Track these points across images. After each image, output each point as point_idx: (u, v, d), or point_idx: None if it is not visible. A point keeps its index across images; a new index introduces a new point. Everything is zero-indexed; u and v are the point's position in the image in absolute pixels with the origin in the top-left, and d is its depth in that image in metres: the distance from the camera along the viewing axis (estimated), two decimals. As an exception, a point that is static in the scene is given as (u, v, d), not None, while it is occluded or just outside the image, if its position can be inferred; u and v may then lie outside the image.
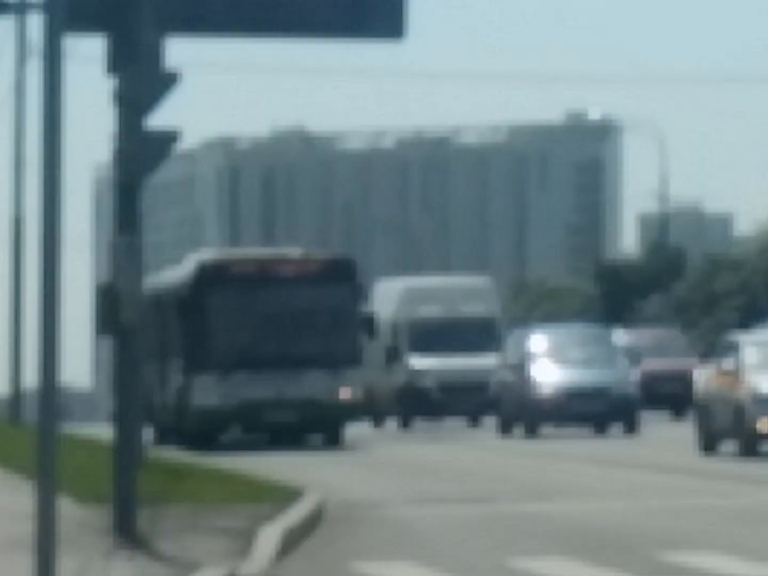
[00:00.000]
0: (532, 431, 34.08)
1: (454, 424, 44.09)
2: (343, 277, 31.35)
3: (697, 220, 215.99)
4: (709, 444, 25.15)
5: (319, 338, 30.46)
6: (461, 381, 41.08)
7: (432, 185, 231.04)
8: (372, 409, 40.13)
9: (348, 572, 10.76)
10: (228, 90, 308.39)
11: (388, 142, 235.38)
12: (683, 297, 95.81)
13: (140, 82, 10.00)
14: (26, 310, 39.62)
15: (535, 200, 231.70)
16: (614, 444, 32.23)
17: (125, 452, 10.90)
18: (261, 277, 31.00)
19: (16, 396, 42.65)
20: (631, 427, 33.82)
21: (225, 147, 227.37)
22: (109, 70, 10.26)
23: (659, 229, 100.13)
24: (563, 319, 69.55)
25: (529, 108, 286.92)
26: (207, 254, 34.70)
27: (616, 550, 12.05)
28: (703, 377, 27.16)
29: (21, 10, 17.70)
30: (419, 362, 41.29)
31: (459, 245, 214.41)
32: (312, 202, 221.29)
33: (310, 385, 29.75)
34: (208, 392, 29.55)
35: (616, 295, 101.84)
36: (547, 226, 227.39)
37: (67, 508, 10.47)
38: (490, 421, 40.92)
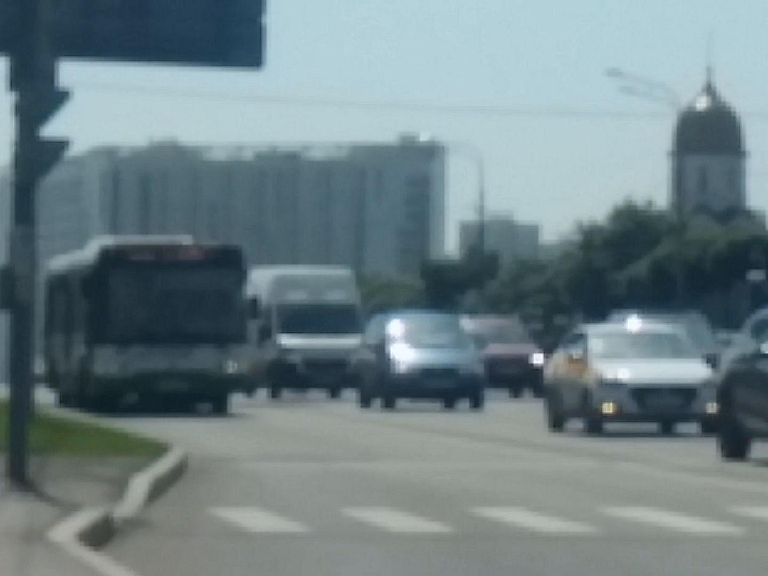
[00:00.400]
0: (389, 404, 33.42)
1: (317, 395, 43.41)
2: (230, 263, 30.49)
3: (509, 228, 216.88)
4: (557, 422, 24.90)
5: (208, 317, 29.75)
6: (324, 358, 40.55)
7: (284, 193, 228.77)
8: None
9: (206, 516, 10.66)
10: (112, 106, 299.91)
11: (247, 155, 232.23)
12: (496, 293, 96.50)
13: (36, 97, 9.71)
14: None
15: (372, 208, 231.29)
16: (461, 417, 31.68)
17: (18, 409, 10.61)
18: (157, 261, 30.04)
19: None
20: (476, 403, 33.26)
21: (108, 154, 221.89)
22: (10, 87, 9.93)
23: (477, 235, 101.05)
24: (393, 309, 69.44)
25: (368, 129, 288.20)
26: (109, 240, 33.75)
27: (435, 504, 12.12)
28: (553, 363, 26.94)
29: None
30: (287, 341, 40.61)
31: (306, 244, 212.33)
32: (182, 203, 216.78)
33: (200, 358, 28.95)
34: (107, 362, 28.71)
35: (439, 290, 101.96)
36: (381, 231, 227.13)
37: None
38: (349, 394, 40.27)
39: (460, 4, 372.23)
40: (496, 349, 39.92)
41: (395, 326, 35.19)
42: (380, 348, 34.22)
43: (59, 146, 10.69)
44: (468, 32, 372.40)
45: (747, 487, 14.48)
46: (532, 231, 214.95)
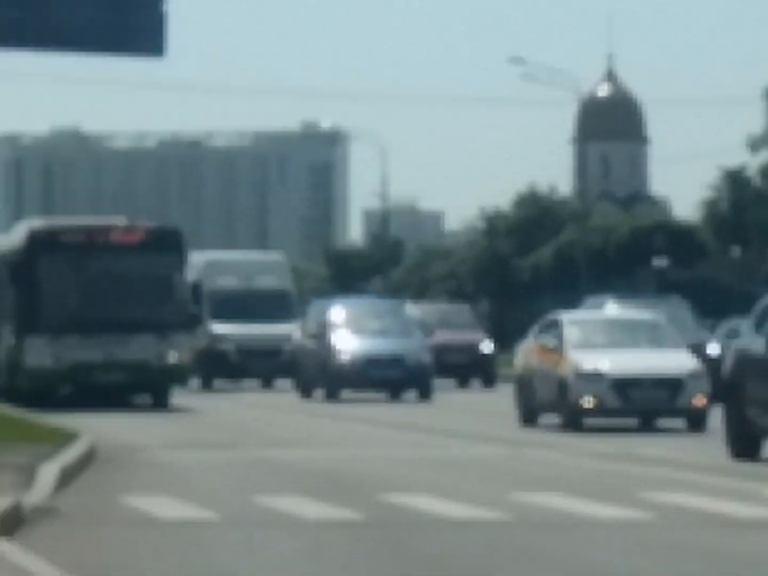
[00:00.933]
0: (332, 395, 31.82)
1: (250, 385, 41.88)
2: (168, 246, 28.56)
3: (413, 216, 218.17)
4: (528, 417, 22.71)
5: (145, 304, 27.84)
6: (257, 346, 39.08)
7: (187, 180, 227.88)
8: None
9: (116, 504, 10.57)
10: (14, 93, 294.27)
11: (150, 143, 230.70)
12: (401, 280, 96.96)
13: None
14: None
15: (275, 195, 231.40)
16: (409, 409, 30.26)
17: None
18: (89, 244, 27.88)
19: None
20: (425, 393, 31.82)
21: (11, 142, 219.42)
22: None
23: (381, 222, 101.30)
24: (300, 296, 68.52)
25: (271, 117, 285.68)
26: (38, 222, 31.00)
27: (344, 491, 12.18)
28: (523, 352, 24.59)
29: None
30: (219, 328, 38.68)
31: (210, 231, 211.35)
32: (84, 191, 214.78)
33: (139, 348, 27.09)
34: (39, 353, 26.76)
35: (343, 277, 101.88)
36: (285, 218, 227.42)
37: None
38: (282, 384, 39.22)
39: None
40: (443, 336, 38.08)
41: (337, 312, 33.50)
42: (321, 335, 32.74)
43: None
44: (370, 18, 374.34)
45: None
46: (436, 218, 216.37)
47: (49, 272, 27.84)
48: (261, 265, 43.94)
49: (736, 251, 66.71)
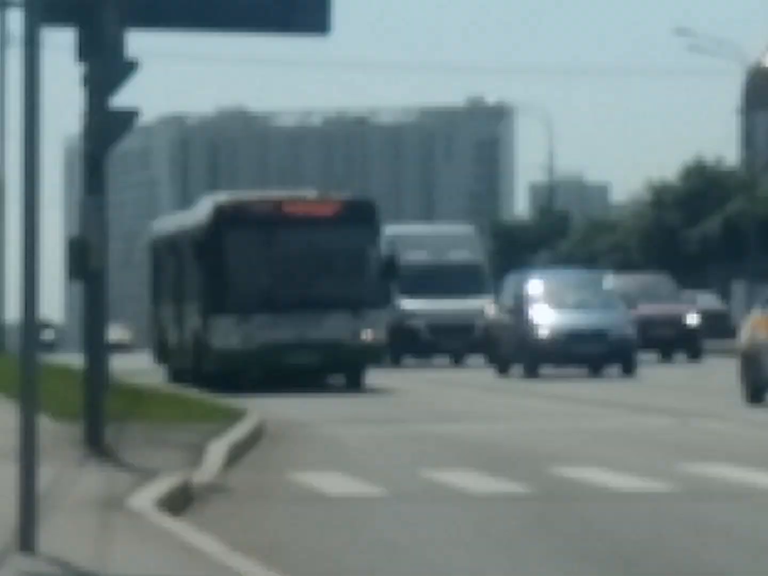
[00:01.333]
0: (531, 372, 30.90)
1: (441, 362, 41.25)
2: (363, 219, 27.16)
3: (580, 188, 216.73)
4: (756, 394, 20.74)
5: (339, 280, 26.83)
6: (449, 322, 38.31)
7: (353, 157, 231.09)
8: None
9: (283, 480, 10.80)
10: (180, 75, 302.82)
11: (315, 121, 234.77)
12: (567, 253, 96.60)
13: (104, 68, 9.80)
14: (10, 258, 38.79)
15: (441, 171, 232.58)
16: (613, 384, 29.26)
17: (94, 377, 10.82)
18: (279, 218, 26.66)
19: (1, 330, 42.83)
20: (629, 369, 30.84)
21: (177, 123, 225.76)
22: (78, 58, 10.07)
23: (547, 195, 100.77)
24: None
25: (436, 93, 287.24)
26: (223, 196, 29.28)
27: (514, 464, 12.07)
28: (750, 325, 22.18)
29: (3, 6, 17.18)
30: (409, 304, 37.67)
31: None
32: (250, 169, 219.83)
33: (331, 327, 25.88)
34: (227, 334, 25.67)
35: (509, 251, 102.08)
36: (451, 193, 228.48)
37: (45, 424, 9.88)
38: (474, 361, 38.49)
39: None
40: (646, 309, 36.66)
41: (535, 286, 32.61)
42: (518, 310, 31.80)
43: (129, 116, 10.84)
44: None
45: None
46: (602, 190, 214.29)
47: (237, 249, 26.75)
48: (452, 239, 42.82)
49: None
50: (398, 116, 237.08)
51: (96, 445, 10.70)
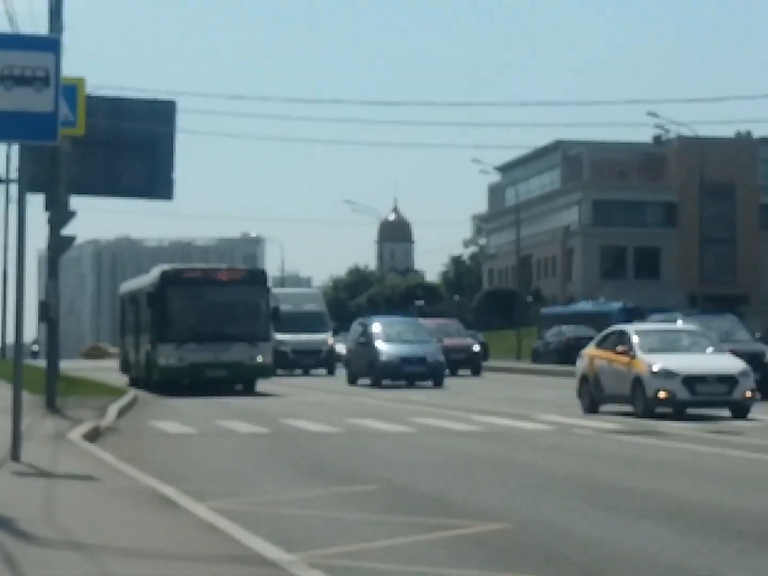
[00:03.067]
0: (376, 383, 37.95)
1: (297, 372, 50.03)
2: (258, 282, 34.71)
3: (298, 279, 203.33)
4: (592, 407, 23.86)
5: (242, 321, 33.54)
6: (304, 348, 48.48)
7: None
8: None
9: (147, 425, 19.25)
10: (98, 218, 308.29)
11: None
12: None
13: (58, 215, 18.26)
14: (8, 306, 53.17)
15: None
16: (439, 392, 35.30)
17: (51, 371, 19.50)
18: (204, 280, 34.16)
19: (3, 346, 58.88)
20: (439, 382, 37.96)
21: (94, 243, 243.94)
22: (45, 209, 18.82)
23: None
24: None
25: None
26: (166, 266, 36.51)
27: (263, 418, 20.75)
28: (584, 356, 25.23)
29: (6, 182, 22.48)
30: (282, 337, 45.54)
31: None
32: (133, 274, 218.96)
33: (236, 352, 32.20)
34: (168, 356, 32.18)
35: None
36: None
37: (25, 396, 15.21)
38: (319, 372, 48.40)
39: None
40: (447, 342, 44.75)
41: (377, 326, 40.69)
42: (367, 342, 39.20)
43: (70, 240, 19.55)
44: None
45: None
46: (309, 280, 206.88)
47: (176, 299, 33.52)
48: (307, 297, 55.09)
49: (456, 297, 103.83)
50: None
51: (51, 407, 18.72)
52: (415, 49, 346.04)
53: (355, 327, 43.36)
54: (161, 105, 24.33)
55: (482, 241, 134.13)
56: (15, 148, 15.21)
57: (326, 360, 49.37)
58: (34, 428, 15.26)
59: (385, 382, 37.91)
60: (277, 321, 36.85)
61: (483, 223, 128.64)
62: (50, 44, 11.95)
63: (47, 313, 18.77)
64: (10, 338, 54.96)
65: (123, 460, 11.99)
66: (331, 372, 49.24)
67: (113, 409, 19.84)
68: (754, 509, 9.33)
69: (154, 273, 35.57)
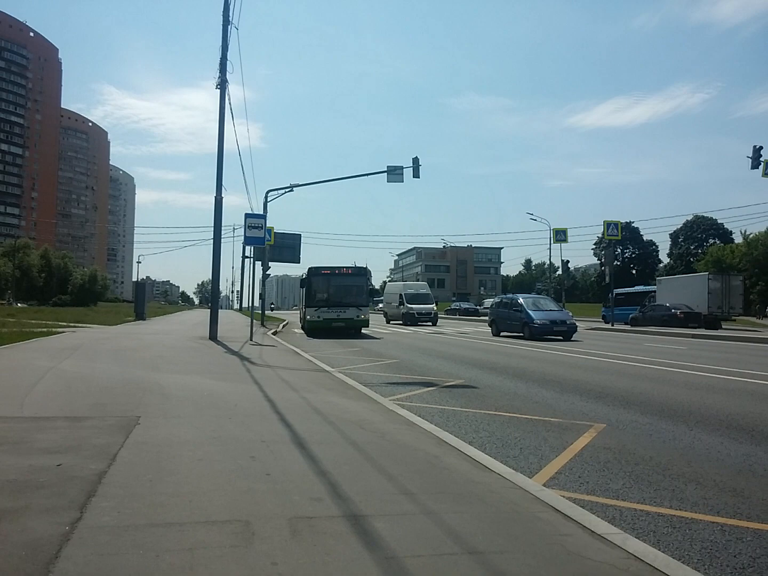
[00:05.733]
0: (532, 338, 42.27)
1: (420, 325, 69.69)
2: (363, 274, 50.36)
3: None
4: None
5: (355, 296, 47.69)
6: (423, 311, 70.33)
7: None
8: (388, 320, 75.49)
9: (292, 332, 47.87)
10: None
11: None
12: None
13: (264, 268, 50.55)
14: (255, 297, 77.91)
15: None
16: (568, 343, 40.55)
17: (263, 313, 53.72)
18: (331, 272, 47.86)
19: (249, 307, 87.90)
20: (570, 337, 43.24)
21: None
22: (261, 265, 51.21)
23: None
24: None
25: None
26: (312, 267, 49.17)
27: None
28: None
29: (251, 258, 55.29)
30: (411, 306, 70.34)
31: None
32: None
33: (351, 313, 47.02)
34: (313, 315, 46.61)
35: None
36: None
37: (255, 322, 47.62)
38: (427, 324, 70.04)
39: None
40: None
41: (523, 299, 45.86)
42: (520, 310, 44.80)
43: (267, 276, 52.50)
44: None
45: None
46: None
47: (315, 284, 47.61)
48: (419, 285, 79.20)
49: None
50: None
51: (263, 324, 49.56)
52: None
53: (495, 300, 53.92)
54: (295, 235, 58.55)
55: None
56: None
57: (433, 318, 69.50)
58: (256, 330, 45.00)
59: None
60: (372, 296, 56.62)
61: None
62: (263, 217, 35.87)
63: (261, 296, 51.85)
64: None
65: (284, 341, 36.03)
66: (434, 324, 68.54)
67: (281, 326, 52.95)
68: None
69: (306, 270, 50.44)
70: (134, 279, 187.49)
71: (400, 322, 71.15)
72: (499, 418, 13.95)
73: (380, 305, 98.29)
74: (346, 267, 49.28)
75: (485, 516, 7.12)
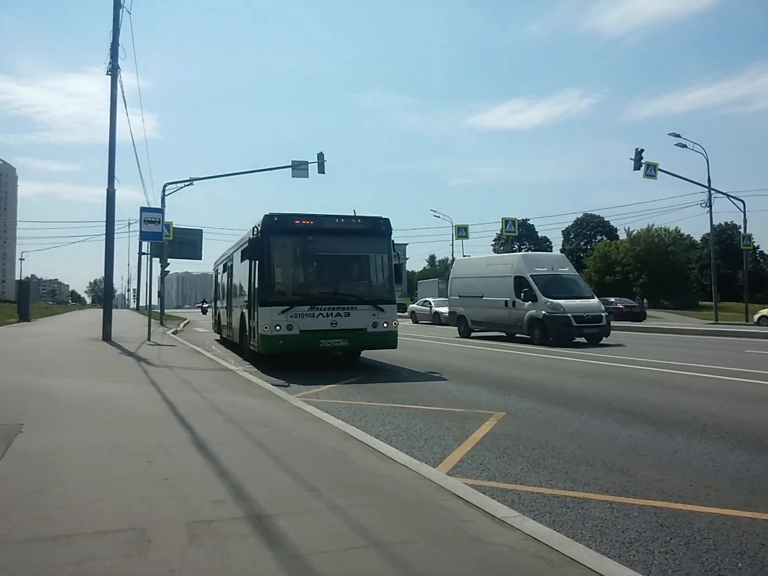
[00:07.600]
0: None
1: None
2: (383, 231, 25.74)
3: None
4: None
5: (368, 280, 25.92)
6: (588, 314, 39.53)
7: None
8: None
9: (194, 330, 48.35)
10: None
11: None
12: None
13: (163, 265, 49.43)
14: (153, 294, 66.98)
15: None
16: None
17: (162, 312, 52.75)
18: (321, 228, 24.88)
19: (146, 305, 79.34)
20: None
21: None
22: (159, 262, 50.18)
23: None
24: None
25: None
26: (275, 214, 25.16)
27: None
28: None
29: (148, 254, 57.16)
30: (558, 304, 37.32)
31: None
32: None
33: (361, 318, 24.21)
34: (274, 321, 23.08)
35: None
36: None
37: (153, 321, 45.88)
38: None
39: None
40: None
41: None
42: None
43: (166, 273, 50.92)
44: None
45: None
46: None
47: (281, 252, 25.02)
48: (557, 260, 43.10)
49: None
50: None
51: (162, 324, 49.01)
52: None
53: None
54: (197, 231, 58.25)
55: None
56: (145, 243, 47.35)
57: (605, 329, 38.86)
58: (155, 330, 43.62)
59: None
60: (398, 281, 30.89)
61: None
62: (161, 211, 34.92)
63: (160, 294, 51.26)
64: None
65: (184, 340, 36.44)
66: (605, 337, 39.09)
67: (182, 325, 52.11)
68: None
69: (261, 221, 28.65)
70: (17, 277, 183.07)
71: (481, 330, 44.36)
72: (404, 411, 14.66)
73: (413, 305, 71.86)
74: (346, 216, 26.03)
75: (391, 508, 7.24)
